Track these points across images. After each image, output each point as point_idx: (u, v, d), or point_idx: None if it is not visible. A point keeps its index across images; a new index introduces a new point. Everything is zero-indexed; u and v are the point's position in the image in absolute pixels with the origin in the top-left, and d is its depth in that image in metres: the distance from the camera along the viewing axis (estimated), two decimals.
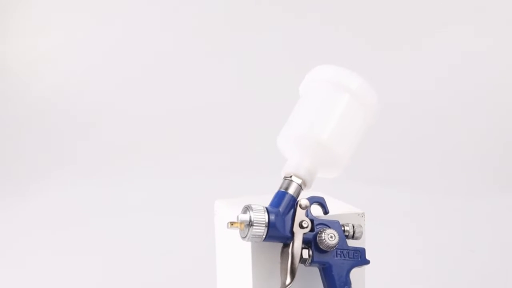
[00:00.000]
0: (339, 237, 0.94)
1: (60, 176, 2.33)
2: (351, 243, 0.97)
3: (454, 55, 2.43)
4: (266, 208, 0.92)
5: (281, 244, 0.94)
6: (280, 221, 0.91)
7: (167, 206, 1.95)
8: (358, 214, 1.01)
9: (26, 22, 2.67)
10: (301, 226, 0.93)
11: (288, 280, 0.90)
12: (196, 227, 1.36)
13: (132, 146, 2.41)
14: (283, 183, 0.95)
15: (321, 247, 0.93)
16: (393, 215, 1.92)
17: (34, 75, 2.61)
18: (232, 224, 0.91)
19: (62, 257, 1.68)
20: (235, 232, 0.95)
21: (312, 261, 0.93)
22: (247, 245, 0.97)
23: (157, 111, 2.46)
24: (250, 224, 0.90)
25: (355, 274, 0.99)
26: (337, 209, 1.01)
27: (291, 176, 0.95)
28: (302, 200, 0.94)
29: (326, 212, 0.96)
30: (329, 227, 0.94)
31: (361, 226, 0.97)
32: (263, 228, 0.90)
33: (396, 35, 2.47)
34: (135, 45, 2.57)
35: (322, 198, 0.96)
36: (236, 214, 0.92)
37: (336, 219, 0.96)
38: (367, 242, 1.25)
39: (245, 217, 0.90)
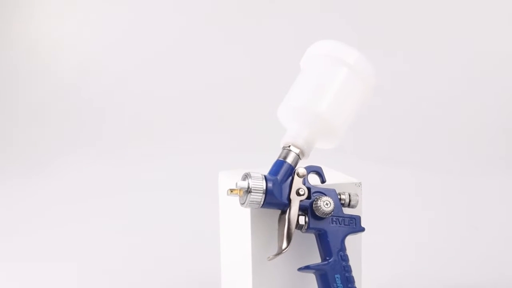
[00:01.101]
0: (335, 205, 0.97)
1: (80, 154, 2.38)
2: (347, 211, 1.01)
3: (462, 35, 2.44)
4: (265, 176, 0.95)
5: (279, 211, 0.98)
6: (278, 189, 0.95)
7: (180, 182, 2.01)
8: (355, 184, 1.04)
9: (48, 8, 2.72)
10: (298, 194, 0.96)
11: (284, 245, 0.94)
12: (204, 200, 1.40)
13: (147, 126, 2.46)
14: (281, 153, 0.99)
15: (317, 214, 0.96)
16: (397, 191, 1.95)
17: (57, 57, 2.67)
18: (231, 191, 0.95)
19: (80, 226, 1.75)
20: (236, 200, 0.99)
21: (308, 228, 0.97)
22: (246, 212, 1.01)
23: (172, 92, 2.50)
24: (248, 191, 0.94)
25: (352, 243, 1.03)
26: (334, 178, 1.05)
27: (289, 146, 0.99)
28: (300, 168, 0.97)
29: (323, 181, 1.00)
30: (325, 195, 0.98)
31: (357, 195, 1.00)
32: (261, 195, 0.94)
33: (404, 16, 2.49)
34: (150, 30, 2.61)
35: (320, 168, 1.00)
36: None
37: (333, 188, 1.00)
38: (370, 215, 1.29)
39: (244, 184, 0.94)
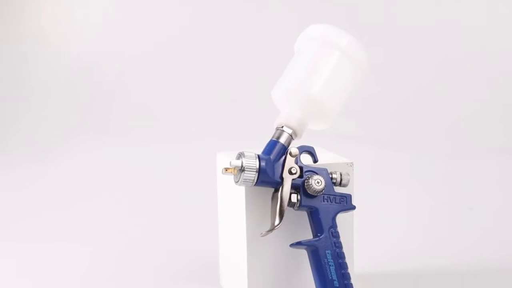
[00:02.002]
0: (326, 183, 1.01)
1: (87, 138, 2.42)
2: (339, 190, 1.04)
3: (460, 21, 2.46)
4: (258, 155, 0.99)
5: (272, 189, 1.01)
6: (270, 167, 0.99)
7: (183, 165, 2.05)
8: (347, 164, 1.07)
9: None
10: (290, 172, 1.00)
11: (277, 221, 0.98)
12: (208, 183, 1.44)
13: (154, 112, 2.49)
14: (275, 133, 1.02)
15: (308, 192, 1.00)
16: (393, 174, 1.97)
17: (66, 44, 2.70)
18: (226, 170, 0.99)
19: (85, 208, 1.80)
20: (231, 179, 1.02)
21: (300, 205, 1.00)
22: (241, 191, 1.04)
23: (179, 78, 2.53)
24: (242, 169, 0.97)
25: (344, 221, 1.06)
26: (326, 158, 1.08)
27: (282, 127, 1.02)
28: (292, 148, 1.01)
29: (315, 160, 1.03)
30: (317, 174, 1.01)
31: (349, 175, 1.04)
32: (254, 173, 0.97)
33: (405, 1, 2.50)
34: (160, 17, 2.65)
35: (312, 148, 1.03)
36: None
37: (325, 167, 1.03)
38: (366, 196, 1.33)
39: (238, 162, 0.98)
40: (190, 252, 1.41)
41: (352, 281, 1.01)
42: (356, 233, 1.10)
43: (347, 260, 1.03)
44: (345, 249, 1.03)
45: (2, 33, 2.71)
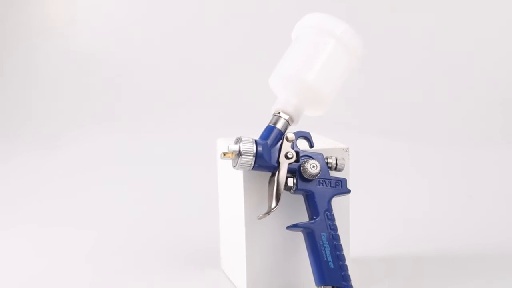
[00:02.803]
0: (321, 167, 1.04)
1: (93, 128, 2.46)
2: (334, 174, 1.07)
3: (460, 6, 2.46)
4: (255, 140, 1.02)
5: (269, 173, 1.04)
6: (267, 152, 1.02)
7: (186, 152, 2.09)
8: (343, 149, 1.10)
9: None
10: (286, 157, 1.03)
11: (273, 204, 1.01)
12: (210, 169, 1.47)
13: (159, 100, 2.52)
14: (272, 119, 1.05)
15: (304, 176, 1.03)
16: (391, 161, 1.99)
17: (74, 32, 2.73)
18: (224, 155, 1.02)
19: (91, 194, 1.85)
20: (230, 164, 1.05)
21: (297, 189, 1.03)
22: (239, 175, 1.07)
23: (183, 66, 2.56)
24: (239, 154, 1.00)
25: (340, 205, 1.09)
26: (322, 144, 1.11)
27: (279, 113, 1.05)
28: (289, 133, 1.04)
29: (311, 145, 1.06)
30: (312, 158, 1.04)
31: (344, 159, 1.07)
32: (251, 157, 1.00)
33: None
34: (163, 8, 2.67)
35: (308, 133, 1.06)
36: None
37: (321, 152, 1.06)
38: (364, 182, 1.35)
39: (235, 147, 1.01)
40: (192, 237, 1.45)
41: (348, 264, 1.04)
42: (352, 218, 1.13)
43: (343, 244, 1.06)
44: (341, 234, 1.06)
45: (11, 23, 2.74)
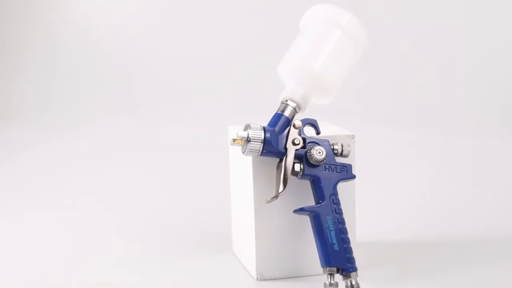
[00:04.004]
0: (327, 153, 1.07)
1: (110, 118, 2.51)
2: (340, 160, 1.11)
3: None
4: (263, 127, 1.06)
5: (277, 159, 1.08)
6: (275, 139, 1.06)
7: (200, 142, 2.13)
8: (349, 136, 1.14)
9: None
10: (293, 143, 1.07)
11: (281, 188, 1.05)
12: (219, 156, 1.52)
13: (175, 91, 2.56)
14: (280, 107, 1.09)
15: (310, 161, 1.07)
16: (396, 149, 2.00)
17: (93, 25, 2.78)
18: (234, 141, 1.06)
19: (109, 181, 1.91)
20: (240, 151, 1.09)
21: (303, 174, 1.07)
22: (249, 161, 1.11)
23: (201, 60, 2.60)
24: (248, 140, 1.04)
25: (346, 191, 1.13)
26: (329, 131, 1.15)
27: (287, 101, 1.09)
28: (296, 121, 1.08)
29: (318, 132, 1.10)
30: (319, 145, 1.08)
31: (349, 146, 1.10)
32: (259, 144, 1.05)
33: None
34: (179, 3, 2.71)
35: (315, 120, 1.10)
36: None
37: (327, 139, 1.10)
38: (369, 169, 1.39)
39: (244, 134, 1.05)
40: (206, 222, 1.49)
41: (354, 248, 1.08)
42: (358, 204, 1.17)
43: (349, 228, 1.10)
44: (347, 218, 1.10)
45: (33, 15, 2.80)
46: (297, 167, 1.07)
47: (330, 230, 1.06)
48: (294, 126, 1.07)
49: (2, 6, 2.81)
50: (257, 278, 1.14)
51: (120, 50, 2.71)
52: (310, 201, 1.10)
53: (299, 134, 1.07)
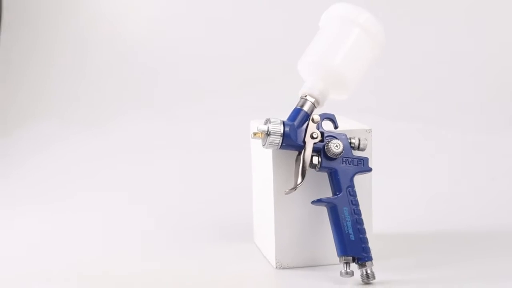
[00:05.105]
0: (344, 147, 1.12)
1: (133, 113, 2.56)
2: (357, 153, 1.15)
3: None
4: (283, 121, 1.10)
5: (296, 152, 1.13)
6: (294, 132, 1.10)
7: (222, 136, 2.18)
8: (366, 130, 1.18)
9: None
10: (312, 137, 1.11)
11: (299, 180, 1.10)
12: (241, 150, 1.57)
13: (195, 88, 2.60)
14: (299, 102, 1.13)
15: (328, 154, 1.11)
16: (411, 144, 2.02)
17: (119, 25, 2.83)
18: (255, 134, 1.11)
19: (134, 174, 1.97)
20: (260, 144, 1.14)
21: (321, 167, 1.11)
22: (269, 154, 1.16)
23: (223, 57, 2.64)
24: (268, 133, 1.09)
25: (363, 183, 1.17)
26: (346, 125, 1.19)
27: (306, 96, 1.13)
28: (315, 115, 1.12)
29: (336, 126, 1.14)
30: (336, 138, 1.12)
31: (366, 140, 1.14)
32: (279, 137, 1.09)
33: None
34: (200, 2, 2.75)
35: (333, 115, 1.14)
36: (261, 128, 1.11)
37: (344, 133, 1.14)
38: (384, 163, 1.41)
39: (264, 127, 1.09)
40: (228, 213, 1.55)
41: (370, 239, 1.12)
42: (374, 196, 1.21)
43: (366, 220, 1.14)
44: (363, 210, 1.13)
45: (60, 14, 2.86)
46: (315, 160, 1.11)
47: (347, 220, 1.10)
48: (312, 120, 1.11)
49: (33, 4, 2.88)
50: (276, 267, 1.18)
51: (144, 49, 2.75)
52: (327, 193, 1.14)
53: (318, 128, 1.12)
